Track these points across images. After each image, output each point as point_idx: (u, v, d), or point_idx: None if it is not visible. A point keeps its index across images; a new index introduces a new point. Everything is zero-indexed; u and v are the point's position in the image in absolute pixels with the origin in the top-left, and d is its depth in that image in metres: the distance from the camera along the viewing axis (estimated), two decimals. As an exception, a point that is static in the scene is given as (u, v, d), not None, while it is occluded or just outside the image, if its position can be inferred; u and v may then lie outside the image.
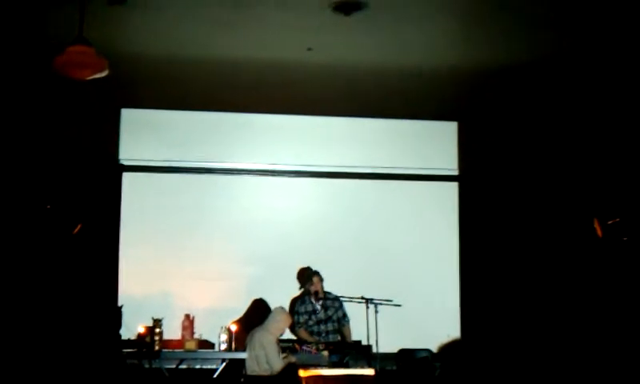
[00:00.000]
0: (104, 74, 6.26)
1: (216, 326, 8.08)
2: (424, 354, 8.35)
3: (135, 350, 7.71)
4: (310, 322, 8.56)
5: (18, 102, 8.65)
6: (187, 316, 8.22)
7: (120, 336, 7.92)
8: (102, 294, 8.74)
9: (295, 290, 9.02)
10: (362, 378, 7.25)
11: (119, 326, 7.96)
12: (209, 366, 8.31)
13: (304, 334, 8.47)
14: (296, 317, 8.52)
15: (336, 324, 8.64)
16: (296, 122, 9.83)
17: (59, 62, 6.07)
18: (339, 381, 7.15)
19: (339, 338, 8.64)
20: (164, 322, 7.84)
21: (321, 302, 8.56)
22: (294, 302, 8.79)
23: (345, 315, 8.68)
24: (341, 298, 8.51)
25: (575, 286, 8.62)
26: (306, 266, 8.89)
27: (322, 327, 8.56)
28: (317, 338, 8.42)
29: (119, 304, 8.53)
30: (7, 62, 7.97)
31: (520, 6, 7.06)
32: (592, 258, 8.40)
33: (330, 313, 8.62)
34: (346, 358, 8.06)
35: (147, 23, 7.38)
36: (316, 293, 8.51)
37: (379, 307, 7.75)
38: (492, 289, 9.41)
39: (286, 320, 7.98)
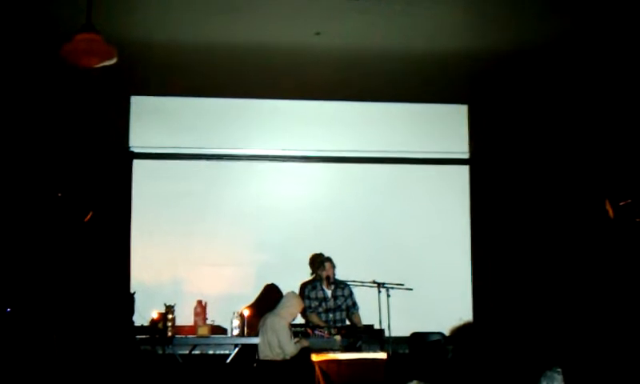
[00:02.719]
0: (112, 61, 6.26)
1: (228, 311, 8.09)
2: (436, 338, 8.35)
3: (148, 336, 7.73)
4: (320, 309, 8.57)
5: (28, 91, 8.67)
6: (199, 302, 8.22)
7: (133, 322, 7.95)
8: (115, 281, 8.77)
9: (306, 276, 9.04)
10: (375, 361, 7.27)
11: (132, 312, 7.99)
12: (222, 352, 8.35)
13: (315, 319, 8.48)
14: (307, 301, 8.53)
15: (345, 313, 8.65)
16: (305, 106, 9.82)
17: (67, 50, 6.07)
18: (352, 365, 7.17)
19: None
20: (176, 308, 7.86)
21: (332, 288, 8.56)
22: (304, 287, 8.80)
23: (354, 304, 8.67)
24: (352, 283, 8.51)
25: (587, 268, 8.59)
26: (318, 252, 8.90)
27: (330, 316, 8.57)
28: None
29: (132, 291, 8.56)
30: (16, 50, 7.98)
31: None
32: (604, 239, 8.37)
33: (339, 302, 8.63)
34: (359, 342, 8.07)
35: (155, 10, 7.38)
36: (327, 277, 8.52)
37: (391, 291, 7.75)
38: (504, 271, 9.40)
39: (297, 305, 7.99)
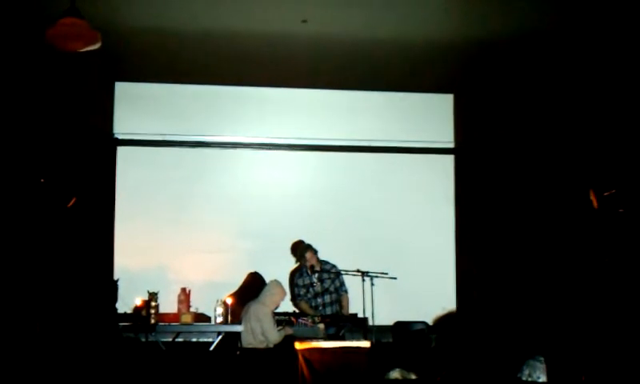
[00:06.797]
0: (97, 46, 6.22)
1: (212, 299, 8.07)
2: (420, 327, 8.37)
3: (131, 323, 7.71)
4: (309, 295, 8.56)
5: (12, 76, 8.59)
6: (183, 289, 8.20)
7: (116, 310, 7.91)
8: (98, 268, 8.74)
9: (291, 263, 9.03)
10: (358, 350, 7.28)
11: (115, 299, 7.95)
12: (205, 339, 8.34)
13: (305, 306, 8.49)
14: (296, 289, 8.55)
15: (334, 295, 8.61)
16: (291, 94, 9.78)
17: (51, 34, 6.02)
18: (335, 353, 7.18)
19: (338, 308, 8.63)
20: (160, 296, 7.84)
21: (317, 275, 8.54)
22: (293, 275, 8.79)
23: (342, 285, 8.62)
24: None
25: (571, 258, 8.63)
26: (298, 239, 8.88)
27: (319, 300, 8.56)
28: (316, 311, 8.43)
29: (115, 278, 8.53)
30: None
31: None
32: (588, 229, 8.40)
33: (326, 285, 8.60)
34: (342, 331, 8.09)
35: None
36: (312, 267, 8.49)
37: (375, 280, 7.71)
38: (488, 260, 9.43)
39: (281, 293, 7.99)
